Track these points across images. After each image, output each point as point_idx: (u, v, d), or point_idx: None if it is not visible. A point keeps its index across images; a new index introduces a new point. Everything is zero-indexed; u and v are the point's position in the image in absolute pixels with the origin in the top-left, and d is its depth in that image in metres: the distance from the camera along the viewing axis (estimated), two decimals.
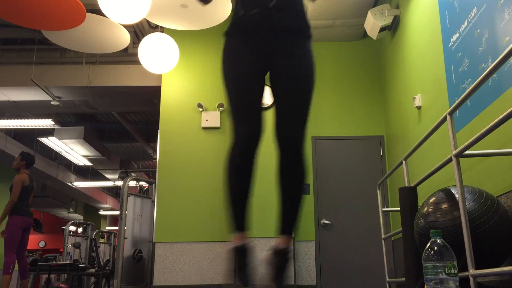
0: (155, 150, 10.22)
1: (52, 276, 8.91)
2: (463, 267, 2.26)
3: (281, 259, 1.89)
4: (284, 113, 1.94)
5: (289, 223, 1.96)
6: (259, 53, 1.97)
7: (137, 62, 6.35)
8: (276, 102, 1.98)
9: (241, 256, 1.87)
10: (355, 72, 6.39)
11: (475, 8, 3.36)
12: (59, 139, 9.42)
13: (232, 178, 1.93)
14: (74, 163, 11.63)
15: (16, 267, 5.64)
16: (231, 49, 2.01)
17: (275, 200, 6.23)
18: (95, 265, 7.88)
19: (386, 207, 5.77)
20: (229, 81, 1.99)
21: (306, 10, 2.07)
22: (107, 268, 7.25)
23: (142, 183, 7.89)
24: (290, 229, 1.96)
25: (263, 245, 5.46)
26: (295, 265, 5.46)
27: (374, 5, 5.71)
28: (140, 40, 5.54)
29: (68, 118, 10.53)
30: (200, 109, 6.12)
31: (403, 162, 3.62)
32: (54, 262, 7.72)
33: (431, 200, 2.77)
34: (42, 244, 17.17)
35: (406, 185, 3.49)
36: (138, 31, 7.02)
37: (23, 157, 5.91)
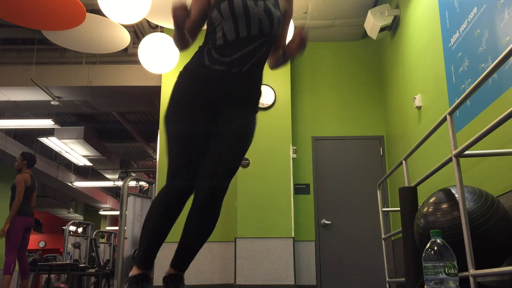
0: (155, 150, 10.22)
1: (52, 276, 8.91)
2: (463, 267, 2.26)
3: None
4: (214, 166, 1.95)
5: (185, 261, 2.01)
6: (210, 106, 2.00)
7: (137, 62, 6.35)
8: (208, 154, 1.98)
9: (139, 283, 1.91)
10: (355, 72, 6.39)
11: (475, 8, 3.36)
12: (59, 139, 9.43)
13: (155, 221, 1.97)
14: (74, 163, 11.63)
15: (17, 267, 5.63)
16: (185, 92, 2.01)
17: (275, 200, 6.22)
18: (95, 265, 7.88)
19: (386, 207, 5.77)
20: (177, 122, 1.99)
21: (261, 89, 2.14)
22: (107, 268, 7.24)
23: (142, 183, 7.89)
24: (185, 266, 2.02)
25: (263, 245, 5.47)
26: (295, 265, 5.46)
27: (374, 5, 5.71)
28: (140, 40, 5.54)
29: (68, 118, 10.53)
30: None
31: (403, 162, 3.62)
32: (54, 262, 7.72)
33: (431, 200, 2.77)
34: (42, 244, 17.17)
35: (406, 185, 3.50)
36: (138, 31, 7.02)
37: (24, 157, 5.91)
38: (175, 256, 2.00)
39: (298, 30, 2.01)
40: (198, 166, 1.97)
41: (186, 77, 2.04)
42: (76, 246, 8.94)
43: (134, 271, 1.95)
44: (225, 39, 1.99)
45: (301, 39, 2.01)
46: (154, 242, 1.97)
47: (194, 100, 1.98)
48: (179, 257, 2.01)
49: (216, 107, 2.00)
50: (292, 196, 5.62)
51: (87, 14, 4.75)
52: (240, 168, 5.64)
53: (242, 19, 1.98)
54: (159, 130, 6.18)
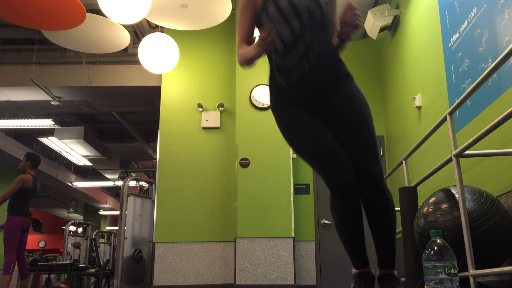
0: (155, 150, 10.21)
1: (52, 276, 8.91)
2: (463, 267, 2.26)
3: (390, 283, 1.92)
4: (354, 153, 1.92)
5: (389, 256, 2.03)
6: (314, 110, 1.99)
7: (137, 62, 6.35)
8: (344, 145, 1.95)
9: (365, 282, 1.95)
10: (355, 72, 6.29)
11: (475, 8, 3.36)
12: (59, 139, 9.43)
13: (342, 228, 2.00)
14: (74, 163, 11.63)
15: (16, 267, 5.64)
16: (289, 121, 2.01)
17: (275, 200, 6.19)
18: (95, 265, 7.88)
19: None
20: (304, 150, 1.99)
21: (340, 54, 2.11)
22: (107, 268, 7.24)
23: (142, 183, 7.89)
24: (392, 262, 2.03)
25: (263, 245, 5.47)
26: (295, 265, 5.46)
27: (374, 5, 5.70)
28: (140, 40, 5.54)
29: (68, 118, 10.52)
30: (200, 109, 6.12)
31: (403, 162, 3.62)
32: (54, 262, 7.72)
33: (431, 200, 2.77)
34: (42, 244, 17.17)
35: (406, 185, 3.50)
36: (138, 31, 7.02)
37: (29, 158, 5.92)
38: (378, 257, 2.00)
39: (346, 6, 1.88)
40: (344, 160, 1.90)
41: (276, 109, 2.08)
42: (76, 246, 8.94)
43: (355, 270, 2.02)
44: (283, 41, 1.97)
45: (351, 15, 1.88)
46: (353, 243, 2.02)
47: (297, 119, 1.98)
48: (381, 255, 2.00)
49: (317, 106, 2.00)
50: (292, 196, 5.62)
51: (87, 14, 4.75)
52: (240, 168, 5.64)
53: (292, 15, 1.95)
54: (159, 130, 6.18)
